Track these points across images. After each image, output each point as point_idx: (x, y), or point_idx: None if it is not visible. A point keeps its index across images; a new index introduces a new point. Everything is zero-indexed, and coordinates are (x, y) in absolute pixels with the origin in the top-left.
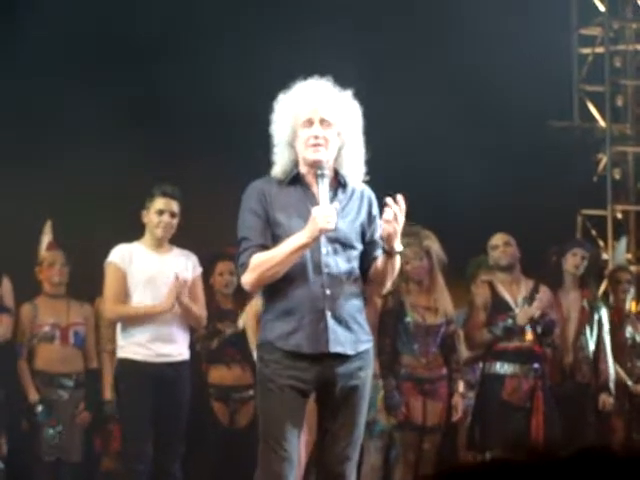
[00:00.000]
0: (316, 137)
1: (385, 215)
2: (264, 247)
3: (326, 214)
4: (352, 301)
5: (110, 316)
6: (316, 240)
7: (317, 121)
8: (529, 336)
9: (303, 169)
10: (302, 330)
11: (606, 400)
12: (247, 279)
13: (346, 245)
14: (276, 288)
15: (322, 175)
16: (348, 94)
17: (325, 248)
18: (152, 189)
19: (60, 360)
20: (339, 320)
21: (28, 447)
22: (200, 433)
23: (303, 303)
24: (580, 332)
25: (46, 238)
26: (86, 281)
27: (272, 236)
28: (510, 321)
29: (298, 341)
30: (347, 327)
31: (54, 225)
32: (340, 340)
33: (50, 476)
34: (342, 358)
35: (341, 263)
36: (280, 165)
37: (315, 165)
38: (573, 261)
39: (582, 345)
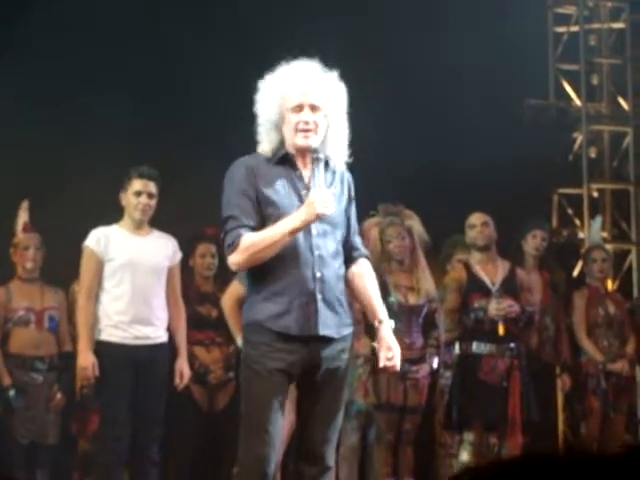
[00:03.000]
0: (306, 123)
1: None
2: (252, 228)
3: (324, 199)
4: (338, 283)
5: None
6: (310, 224)
7: (307, 107)
8: (501, 330)
9: (291, 150)
10: (292, 311)
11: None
12: (236, 259)
13: (334, 226)
14: (265, 268)
15: (318, 159)
16: (334, 75)
17: (316, 229)
18: (129, 170)
19: (34, 344)
20: (327, 303)
21: (3, 430)
22: (178, 416)
23: (294, 284)
24: (543, 313)
25: (22, 218)
26: (61, 264)
27: (263, 216)
28: (481, 314)
29: (288, 322)
30: (334, 310)
31: (31, 205)
32: (328, 323)
33: (26, 459)
34: (328, 341)
35: (330, 244)
36: (267, 144)
37: (303, 149)
38: (533, 243)
39: (545, 325)
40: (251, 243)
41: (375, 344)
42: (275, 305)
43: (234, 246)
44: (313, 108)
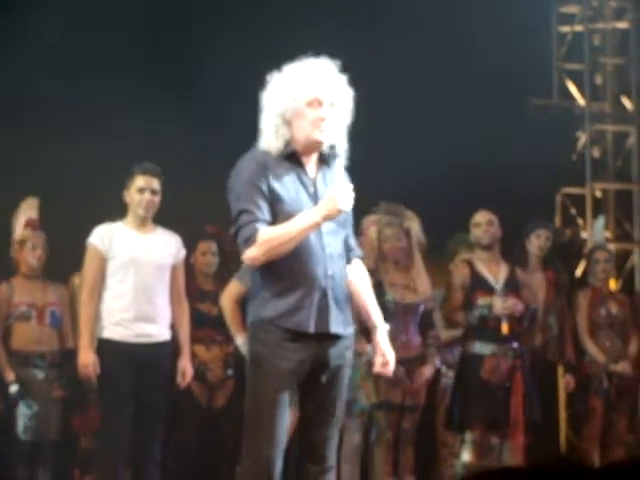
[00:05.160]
0: (324, 119)
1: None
2: (267, 222)
3: (346, 194)
4: (344, 281)
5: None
6: (330, 219)
7: (327, 103)
8: (505, 329)
9: (299, 147)
10: (305, 308)
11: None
12: (254, 254)
13: (341, 225)
14: (276, 266)
15: (334, 155)
16: (344, 78)
17: (326, 227)
18: (132, 167)
19: (36, 340)
20: (336, 301)
21: (5, 427)
22: (178, 413)
23: (306, 282)
24: (547, 313)
25: (25, 215)
26: (64, 260)
27: (272, 211)
28: (485, 311)
29: (301, 319)
30: (341, 308)
31: (41, 204)
32: (338, 320)
33: (28, 455)
34: (336, 338)
35: (337, 242)
36: (276, 139)
37: (317, 145)
38: (537, 242)
39: (549, 325)
40: (270, 237)
41: (370, 347)
42: (286, 302)
43: (251, 240)
44: (331, 104)
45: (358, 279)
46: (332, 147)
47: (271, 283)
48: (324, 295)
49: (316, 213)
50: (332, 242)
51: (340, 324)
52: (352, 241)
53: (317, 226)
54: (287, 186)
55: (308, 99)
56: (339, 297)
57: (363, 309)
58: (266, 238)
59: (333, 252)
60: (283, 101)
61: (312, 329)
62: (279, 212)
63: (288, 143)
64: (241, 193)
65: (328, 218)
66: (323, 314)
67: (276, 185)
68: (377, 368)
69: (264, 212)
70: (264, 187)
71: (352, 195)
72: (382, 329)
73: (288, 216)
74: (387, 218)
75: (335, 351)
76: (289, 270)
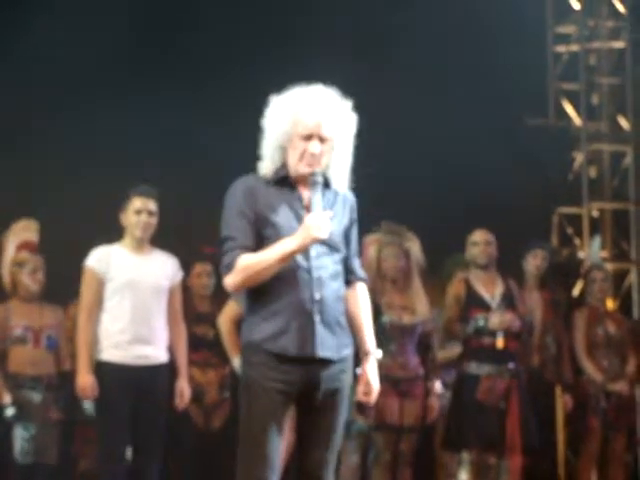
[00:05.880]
0: (312, 155)
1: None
2: (249, 249)
3: (320, 223)
4: (337, 304)
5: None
6: (306, 248)
7: (317, 138)
8: (500, 343)
9: (292, 172)
10: (289, 332)
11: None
12: (231, 281)
13: (333, 247)
14: (263, 289)
15: (315, 182)
16: (348, 105)
17: (315, 250)
18: (128, 190)
19: (32, 363)
20: (326, 324)
21: (1, 450)
22: (175, 435)
23: (291, 305)
24: (545, 332)
25: (17, 237)
26: (60, 282)
27: (262, 237)
28: (482, 322)
29: (285, 343)
30: (332, 331)
31: (41, 226)
32: (327, 344)
33: (25, 478)
34: (327, 362)
35: (330, 265)
36: (270, 162)
37: (303, 178)
38: (534, 262)
39: (547, 345)
40: (247, 265)
41: (358, 372)
42: (272, 326)
43: (230, 267)
44: (322, 140)
45: (355, 302)
46: (334, 173)
47: (259, 306)
48: (310, 319)
49: (292, 242)
50: (321, 266)
51: (331, 348)
52: (356, 263)
53: (294, 254)
54: (277, 211)
55: (302, 132)
56: (329, 321)
57: (357, 334)
58: (243, 265)
59: (322, 275)
60: (278, 127)
61: (294, 353)
62: (267, 238)
63: (282, 167)
64: (227, 219)
65: (304, 246)
66: (308, 338)
67: (265, 210)
68: (359, 396)
69: (247, 239)
70: (249, 213)
71: (327, 222)
72: (373, 357)
73: (276, 241)
74: (388, 237)
75: (327, 374)
76: (275, 294)
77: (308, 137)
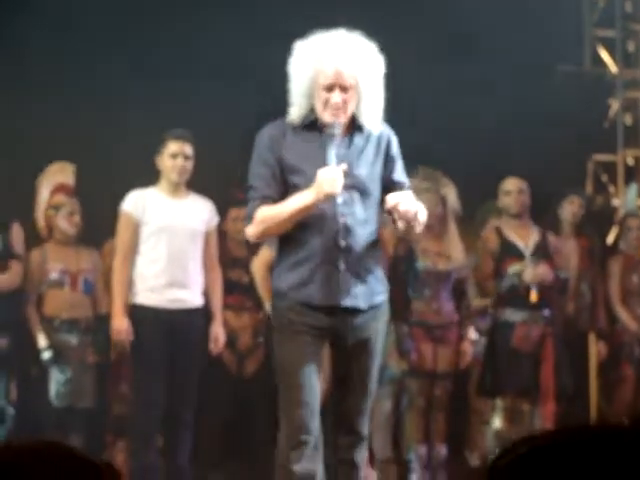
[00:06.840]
0: (336, 104)
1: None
2: (270, 199)
3: (332, 177)
4: (368, 251)
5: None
6: (321, 203)
7: (338, 88)
8: (533, 297)
9: (319, 117)
10: (314, 282)
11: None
12: (252, 232)
13: (364, 192)
14: (291, 237)
15: (332, 135)
16: (373, 47)
17: (342, 197)
18: (164, 133)
19: (69, 306)
20: (353, 272)
21: (38, 393)
22: (209, 380)
23: (316, 254)
24: (580, 280)
25: (52, 180)
26: (96, 225)
27: (290, 184)
28: (515, 279)
29: (310, 292)
30: (361, 279)
31: (77, 170)
32: (353, 293)
33: (60, 421)
34: (355, 311)
35: (358, 212)
36: (297, 108)
37: (328, 125)
38: (571, 208)
39: (582, 292)
40: (264, 217)
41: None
42: (297, 275)
43: (251, 218)
44: (344, 89)
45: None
46: (365, 116)
47: (286, 255)
48: (335, 267)
49: (307, 196)
50: (349, 212)
51: (358, 296)
52: (397, 176)
53: (309, 209)
54: (306, 158)
55: (323, 82)
56: (357, 269)
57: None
58: (261, 218)
59: (349, 222)
60: (301, 76)
61: (319, 302)
62: (295, 185)
63: (311, 112)
64: (252, 168)
65: (318, 201)
66: (333, 287)
67: (291, 157)
68: (399, 225)
69: (269, 189)
70: (273, 162)
71: (340, 177)
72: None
73: (307, 187)
74: (424, 184)
75: (356, 323)
76: (301, 243)
77: (330, 87)
